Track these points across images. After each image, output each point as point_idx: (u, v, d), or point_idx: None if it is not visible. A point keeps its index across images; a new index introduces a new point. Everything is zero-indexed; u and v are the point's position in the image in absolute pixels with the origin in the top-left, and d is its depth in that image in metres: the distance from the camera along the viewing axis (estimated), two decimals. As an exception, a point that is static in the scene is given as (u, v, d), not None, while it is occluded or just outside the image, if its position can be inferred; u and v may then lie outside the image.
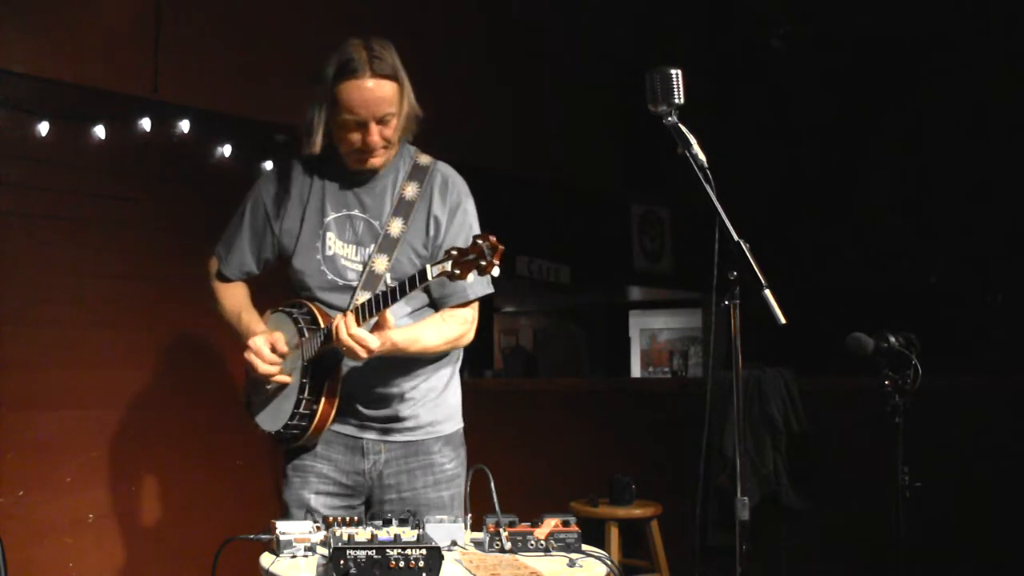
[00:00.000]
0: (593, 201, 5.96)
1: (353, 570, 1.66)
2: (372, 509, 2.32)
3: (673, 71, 1.96)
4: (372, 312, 2.08)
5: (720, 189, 1.92)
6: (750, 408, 4.08)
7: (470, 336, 2.32)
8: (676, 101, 1.96)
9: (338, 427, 2.29)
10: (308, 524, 1.97)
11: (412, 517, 1.99)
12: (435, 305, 2.31)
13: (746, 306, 1.84)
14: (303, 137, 2.24)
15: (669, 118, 1.97)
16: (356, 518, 1.98)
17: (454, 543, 2.01)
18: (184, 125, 3.86)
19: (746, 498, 1.85)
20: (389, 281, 2.10)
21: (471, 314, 2.31)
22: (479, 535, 2.06)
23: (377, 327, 2.09)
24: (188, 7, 3.90)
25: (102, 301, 3.62)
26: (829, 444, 4.00)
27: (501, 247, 1.88)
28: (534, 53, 5.46)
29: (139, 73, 3.73)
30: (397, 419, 2.30)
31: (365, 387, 2.27)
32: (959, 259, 6.09)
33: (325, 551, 1.78)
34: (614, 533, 4.03)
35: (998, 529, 3.54)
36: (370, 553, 1.68)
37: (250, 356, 2.26)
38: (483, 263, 1.89)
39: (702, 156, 1.95)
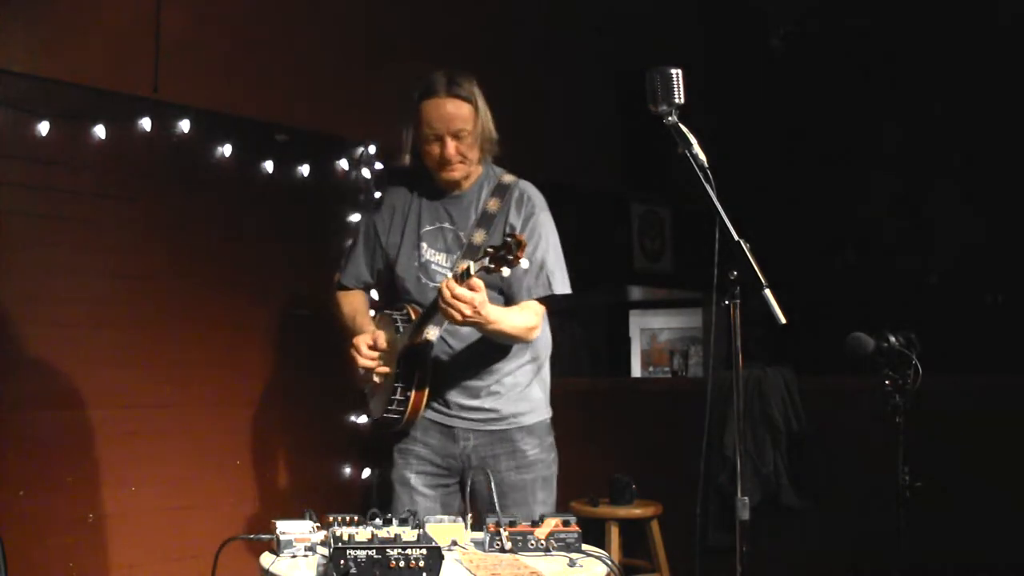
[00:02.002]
0: (593, 201, 5.96)
1: (353, 570, 1.66)
2: (464, 488, 2.60)
3: (673, 71, 1.96)
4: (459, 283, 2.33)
5: (720, 189, 1.92)
6: (750, 408, 4.08)
7: (539, 330, 2.58)
8: (676, 101, 1.96)
9: (433, 415, 2.61)
10: (308, 524, 1.97)
11: (412, 517, 1.99)
12: (508, 304, 2.56)
13: (746, 306, 1.84)
14: (405, 154, 2.63)
15: (669, 118, 1.98)
16: (356, 518, 1.98)
17: (454, 543, 2.01)
18: (184, 125, 3.86)
19: (746, 498, 1.85)
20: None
21: (541, 309, 2.57)
22: (479, 535, 2.07)
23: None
24: (188, 7, 3.90)
25: (102, 301, 3.62)
26: (829, 444, 3.99)
27: (524, 243, 2.13)
28: (534, 52, 5.46)
29: (139, 73, 3.72)
30: (482, 410, 2.59)
31: (454, 381, 2.58)
32: (959, 259, 6.09)
33: (325, 551, 1.78)
34: (614, 533, 4.03)
35: (998, 529, 3.54)
36: (370, 553, 1.68)
37: (352, 352, 2.63)
38: (509, 257, 2.13)
39: (702, 156, 1.95)
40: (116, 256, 3.67)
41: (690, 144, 1.96)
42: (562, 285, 2.58)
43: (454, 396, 2.59)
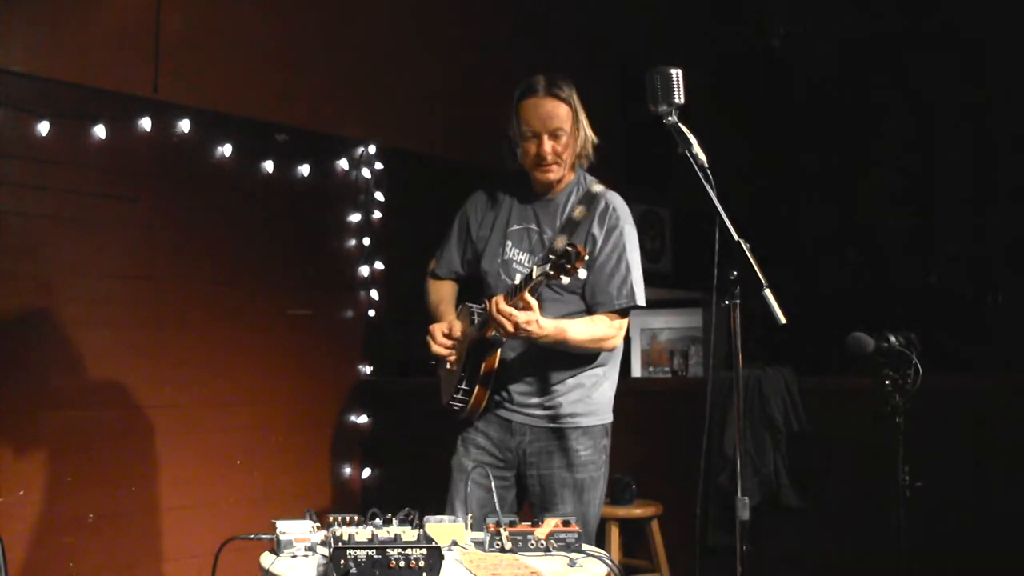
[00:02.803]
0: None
1: (353, 570, 1.66)
2: (520, 482, 2.65)
3: (673, 71, 1.96)
4: (514, 295, 2.40)
5: (720, 189, 1.92)
6: (750, 408, 4.07)
7: (616, 341, 2.60)
8: (676, 101, 1.96)
9: (496, 408, 2.64)
10: (308, 524, 1.97)
11: (413, 516, 1.99)
12: (590, 312, 2.58)
13: (746, 306, 1.84)
14: (506, 156, 2.66)
15: (669, 118, 1.97)
16: (356, 518, 1.98)
17: (454, 543, 2.01)
18: (184, 125, 3.86)
19: (746, 498, 1.85)
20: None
21: (620, 322, 2.59)
22: (479, 535, 2.06)
23: (523, 310, 2.38)
24: (188, 7, 3.90)
25: (102, 301, 3.62)
26: (829, 444, 3.99)
27: (584, 253, 2.18)
28: (534, 53, 5.46)
29: (139, 73, 3.73)
30: (541, 407, 2.61)
31: (518, 377, 2.61)
32: (959, 259, 6.09)
33: (325, 551, 1.78)
34: (614, 533, 4.02)
35: (998, 529, 3.54)
36: (370, 553, 1.67)
37: (428, 339, 2.67)
38: (568, 266, 2.18)
39: (702, 156, 1.95)
40: (116, 256, 3.67)
41: (690, 144, 1.96)
42: (640, 297, 2.60)
43: (516, 391, 2.62)
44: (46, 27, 3.53)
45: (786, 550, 3.82)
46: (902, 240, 6.34)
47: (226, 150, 3.99)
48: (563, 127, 2.56)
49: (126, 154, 3.69)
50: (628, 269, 2.58)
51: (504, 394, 2.63)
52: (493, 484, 2.42)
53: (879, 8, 6.13)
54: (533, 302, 2.35)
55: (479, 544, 2.02)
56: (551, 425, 2.61)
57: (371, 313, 4.50)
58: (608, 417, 2.70)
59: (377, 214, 4.56)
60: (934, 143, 6.21)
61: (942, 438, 3.50)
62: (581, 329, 2.52)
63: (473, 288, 2.82)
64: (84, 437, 3.54)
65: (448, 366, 2.69)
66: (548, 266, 2.22)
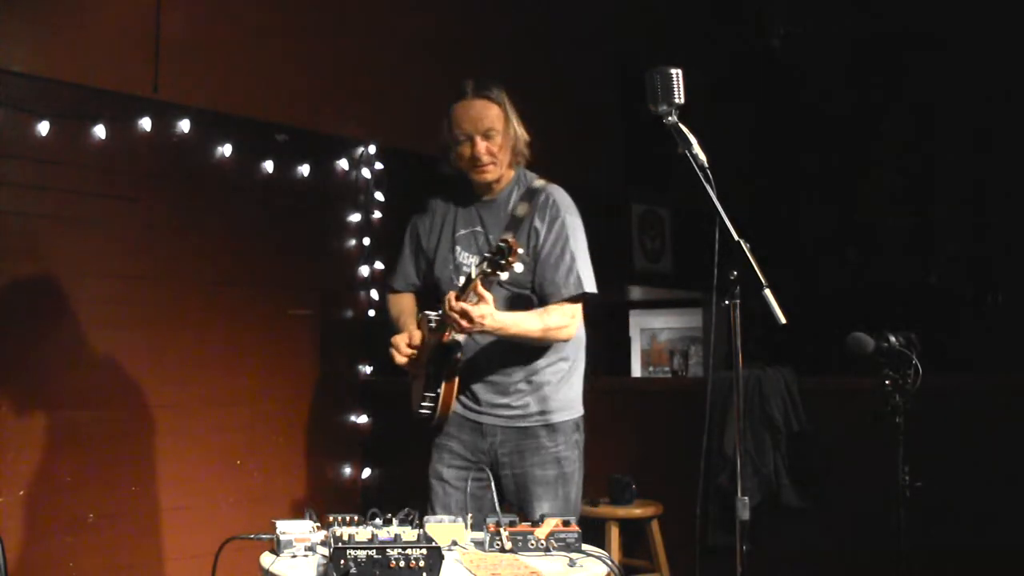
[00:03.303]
0: (593, 201, 5.95)
1: (353, 570, 1.66)
2: (496, 481, 2.63)
3: (673, 71, 1.96)
4: (463, 292, 2.42)
5: (720, 189, 1.92)
6: (750, 408, 4.07)
7: (570, 331, 2.61)
8: (676, 101, 1.96)
9: (463, 411, 2.67)
10: (308, 524, 1.97)
11: (413, 516, 1.99)
12: (542, 304, 2.59)
13: (746, 306, 1.84)
14: (442, 162, 2.70)
15: (669, 118, 1.97)
16: (356, 518, 1.98)
17: (454, 543, 2.01)
18: (184, 125, 3.86)
19: (746, 498, 1.85)
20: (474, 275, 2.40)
21: (572, 310, 2.60)
22: (479, 535, 2.06)
23: (477, 304, 2.38)
24: (188, 7, 3.90)
25: (102, 301, 3.62)
26: (829, 444, 3.98)
27: (517, 247, 2.19)
28: (533, 52, 5.46)
29: (139, 73, 3.73)
30: (510, 407, 2.63)
31: (483, 379, 2.64)
32: (959, 259, 6.09)
33: (325, 551, 1.78)
34: (614, 533, 4.02)
35: (998, 529, 3.54)
36: (370, 553, 1.67)
37: (391, 351, 2.70)
38: (503, 262, 2.20)
39: (702, 156, 1.95)
40: (116, 256, 3.67)
41: (690, 144, 1.95)
42: (590, 284, 2.62)
43: (483, 393, 2.65)
44: (46, 27, 3.53)
45: (786, 550, 3.82)
46: (902, 240, 6.34)
47: (226, 150, 3.99)
48: (495, 127, 2.59)
49: (126, 154, 3.69)
50: (573, 258, 2.59)
51: (471, 397, 2.66)
52: (492, 484, 2.44)
53: (879, 8, 6.13)
54: (487, 295, 2.36)
55: (479, 544, 2.02)
56: (521, 424, 2.62)
57: (371, 313, 4.50)
58: (579, 411, 2.72)
59: (377, 214, 4.56)
60: (934, 143, 6.21)
61: (942, 438, 3.50)
62: (535, 320, 2.53)
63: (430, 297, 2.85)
64: (84, 437, 3.54)
65: (413, 376, 2.73)
66: (485, 264, 2.25)
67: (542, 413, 2.63)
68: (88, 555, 3.51)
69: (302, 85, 4.30)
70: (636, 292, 8.63)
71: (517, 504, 2.60)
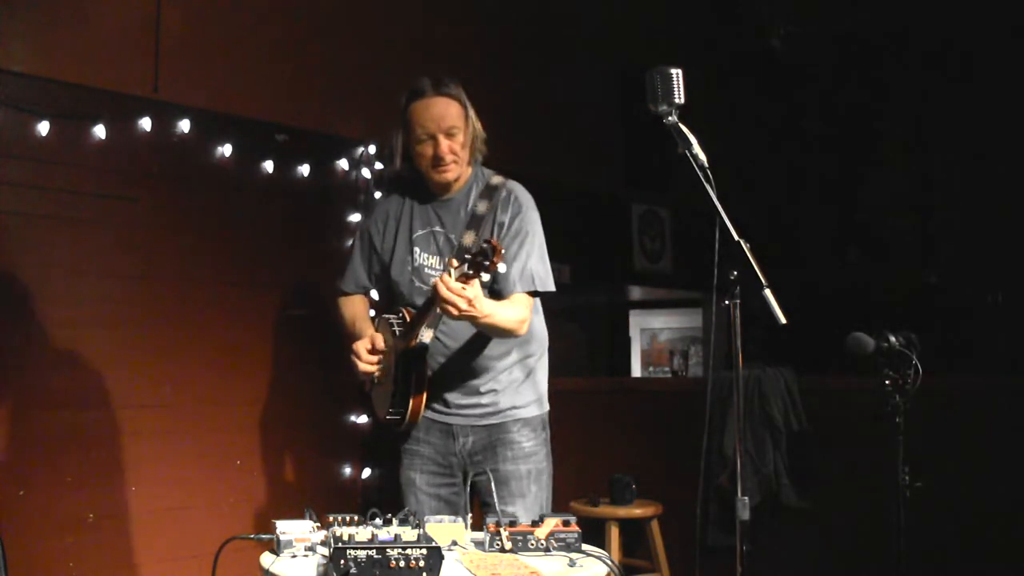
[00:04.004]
0: (593, 201, 5.96)
1: (353, 570, 1.66)
2: (469, 485, 2.65)
3: (674, 71, 1.96)
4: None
5: (720, 189, 1.92)
6: (750, 408, 4.08)
7: (528, 324, 2.58)
8: (676, 101, 1.96)
9: (432, 415, 2.65)
10: (308, 524, 1.97)
11: (412, 517, 1.99)
12: (496, 299, 2.56)
13: (746, 306, 1.84)
14: (386, 160, 2.68)
15: (669, 118, 1.98)
16: (356, 518, 1.98)
17: (454, 543, 2.01)
18: (184, 125, 3.85)
19: (746, 498, 1.85)
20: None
21: (530, 301, 2.59)
22: (479, 535, 2.06)
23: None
24: (188, 7, 3.90)
25: (102, 301, 3.62)
26: (829, 444, 3.99)
27: (500, 249, 2.14)
28: (533, 53, 5.46)
29: (139, 73, 3.72)
30: (480, 405, 2.63)
31: (452, 380, 2.62)
32: (959, 259, 6.09)
33: (325, 551, 1.78)
34: (614, 533, 4.03)
35: (998, 529, 3.54)
36: (370, 553, 1.68)
37: (352, 357, 2.65)
38: (486, 263, 2.15)
39: (702, 156, 1.95)
40: (116, 256, 3.67)
41: (690, 144, 1.96)
42: (544, 283, 2.60)
43: (452, 395, 2.63)
44: (46, 27, 3.52)
45: (786, 550, 3.83)
46: (902, 240, 6.34)
47: (226, 150, 3.98)
48: (457, 125, 2.56)
49: (126, 154, 3.69)
50: (528, 255, 2.57)
51: (439, 399, 2.64)
52: (493, 485, 2.43)
53: (879, 8, 6.13)
54: (475, 282, 2.30)
55: (479, 544, 2.03)
56: (492, 421, 2.63)
57: (371, 313, 4.50)
58: (545, 407, 2.73)
59: (377, 214, 4.55)
60: (934, 143, 6.21)
61: (942, 438, 3.51)
62: (511, 311, 2.51)
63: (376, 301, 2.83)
64: (84, 437, 3.54)
65: (376, 381, 2.69)
66: (466, 266, 2.20)
67: (512, 408, 2.64)
68: (88, 555, 3.51)
69: (302, 85, 4.29)
70: (636, 292, 8.63)
71: (491, 503, 2.56)
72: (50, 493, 3.43)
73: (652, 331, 9.79)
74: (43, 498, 3.41)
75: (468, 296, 2.26)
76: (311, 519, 2.00)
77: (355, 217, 4.48)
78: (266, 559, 1.91)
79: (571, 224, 5.58)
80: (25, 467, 3.38)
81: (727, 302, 1.86)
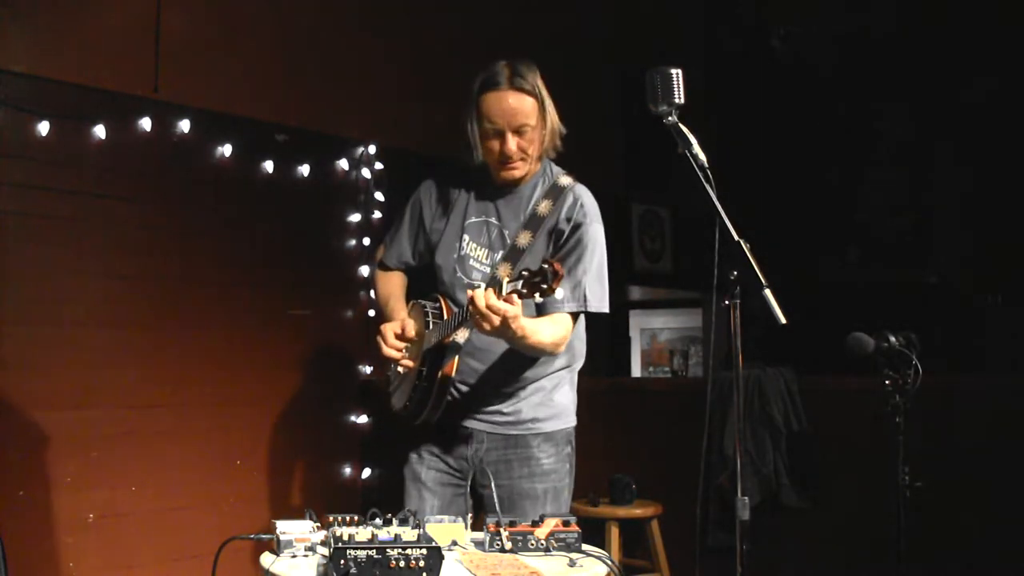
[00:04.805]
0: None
1: (353, 570, 1.66)
2: (474, 492, 2.50)
3: (674, 71, 1.95)
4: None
5: (720, 189, 1.92)
6: (750, 408, 4.08)
7: (564, 346, 2.44)
8: (676, 101, 1.95)
9: (451, 415, 2.48)
10: (308, 524, 1.97)
11: (412, 517, 1.99)
12: (539, 310, 2.43)
13: (746, 306, 1.84)
14: (467, 150, 2.44)
15: (669, 118, 1.97)
16: (356, 518, 1.98)
17: (454, 543, 2.01)
18: (184, 125, 3.86)
19: (746, 498, 1.85)
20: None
21: (571, 324, 2.45)
22: (479, 535, 2.06)
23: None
24: (188, 7, 3.90)
25: (102, 301, 3.62)
26: (829, 444, 3.99)
27: (561, 273, 2.01)
28: (533, 53, 5.46)
29: (139, 73, 3.73)
30: (501, 413, 2.48)
31: (477, 382, 2.46)
32: (959, 259, 6.09)
33: (325, 551, 1.78)
34: (614, 533, 4.02)
35: (998, 529, 3.54)
36: (370, 553, 1.67)
37: (378, 339, 2.50)
38: (544, 286, 2.01)
39: (702, 156, 1.94)
40: (116, 256, 3.67)
41: (690, 144, 1.95)
42: (597, 303, 2.46)
43: (474, 397, 2.48)
44: (46, 27, 3.52)
45: (786, 550, 3.82)
46: (902, 240, 6.34)
47: (226, 150, 3.99)
48: (528, 122, 2.39)
49: (126, 154, 3.69)
50: (585, 271, 2.44)
51: (461, 400, 2.48)
52: (493, 485, 2.39)
53: (879, 8, 6.13)
54: (516, 299, 2.14)
55: (479, 544, 2.02)
56: (511, 432, 2.47)
57: (371, 313, 4.50)
58: (571, 421, 2.57)
59: (377, 214, 4.56)
60: (934, 143, 6.21)
61: (942, 438, 3.51)
62: (548, 331, 2.36)
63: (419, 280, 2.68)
64: (84, 437, 3.54)
65: (400, 369, 2.54)
66: (520, 283, 2.05)
67: (534, 421, 2.48)
68: (88, 555, 3.51)
69: (302, 85, 4.30)
70: (636, 292, 8.63)
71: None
72: (50, 493, 3.43)
73: (652, 331, 9.80)
74: (43, 498, 3.41)
75: (507, 314, 2.11)
76: (311, 519, 2.00)
77: (355, 217, 4.48)
78: (266, 559, 1.91)
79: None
80: (25, 467, 3.38)
81: (727, 302, 1.86)
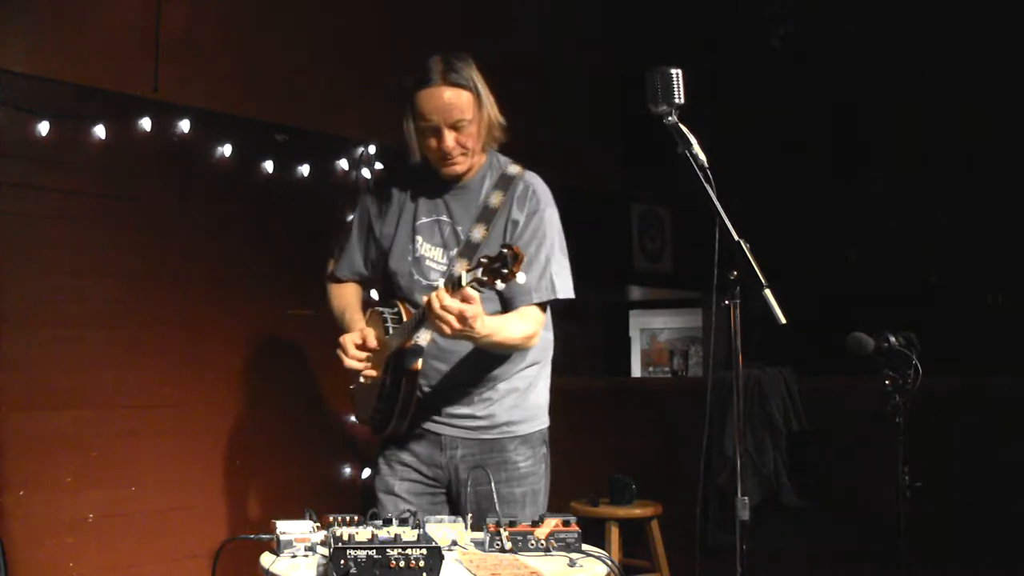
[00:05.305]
0: (593, 201, 5.96)
1: (353, 570, 1.66)
2: (450, 499, 2.46)
3: (673, 71, 1.96)
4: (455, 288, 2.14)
5: (720, 189, 1.92)
6: (750, 408, 4.08)
7: (537, 339, 2.40)
8: (676, 101, 1.96)
9: (421, 422, 2.44)
10: (308, 524, 1.97)
11: (412, 517, 1.99)
12: (504, 308, 2.39)
13: (746, 306, 1.84)
14: (406, 149, 2.41)
15: (669, 118, 1.97)
16: (356, 518, 1.98)
17: (454, 543, 2.01)
18: (184, 125, 3.86)
19: (746, 498, 1.85)
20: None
21: (542, 316, 2.40)
22: (479, 535, 2.06)
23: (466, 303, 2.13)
24: (188, 7, 3.90)
25: (102, 301, 3.62)
26: (829, 444, 4.00)
27: (522, 256, 1.95)
28: (533, 53, 5.46)
29: (139, 73, 3.72)
30: (474, 417, 2.43)
31: (445, 386, 2.41)
32: (959, 259, 6.09)
33: (325, 551, 1.78)
34: (614, 533, 4.03)
35: (998, 529, 3.54)
36: (370, 553, 1.67)
37: (338, 352, 2.43)
38: (504, 271, 1.95)
39: (702, 156, 1.95)
40: (116, 256, 3.67)
41: (690, 144, 1.95)
42: (565, 289, 2.41)
43: (445, 402, 2.43)
44: (46, 27, 3.52)
45: (786, 550, 3.83)
46: (902, 240, 6.34)
47: (226, 150, 3.98)
48: (465, 117, 2.32)
49: (126, 154, 3.69)
50: (548, 259, 2.37)
51: (430, 405, 2.42)
52: (493, 485, 2.37)
53: (879, 8, 6.13)
54: (475, 295, 2.08)
55: (479, 544, 2.02)
56: (486, 436, 2.42)
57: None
58: (545, 422, 2.53)
59: (377, 214, 4.55)
60: (934, 142, 6.21)
61: (942, 438, 3.51)
62: (516, 327, 2.31)
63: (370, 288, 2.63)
64: (84, 437, 3.54)
65: (362, 380, 2.46)
66: (480, 271, 1.98)
67: (509, 424, 2.43)
68: (88, 555, 3.51)
69: (302, 85, 4.30)
70: (636, 292, 8.64)
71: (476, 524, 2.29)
72: (50, 493, 3.43)
73: (652, 331, 9.80)
74: (43, 498, 3.41)
75: (466, 314, 2.06)
76: (311, 519, 2.00)
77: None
78: (266, 559, 1.91)
79: (571, 224, 5.57)
80: (25, 467, 3.38)
81: (727, 302, 1.86)
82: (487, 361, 2.40)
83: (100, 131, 3.62)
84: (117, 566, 3.59)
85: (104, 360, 3.61)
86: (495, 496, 2.32)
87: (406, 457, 2.48)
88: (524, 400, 2.47)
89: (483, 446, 2.43)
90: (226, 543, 1.96)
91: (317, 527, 1.96)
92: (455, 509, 2.46)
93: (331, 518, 1.97)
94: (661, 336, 9.62)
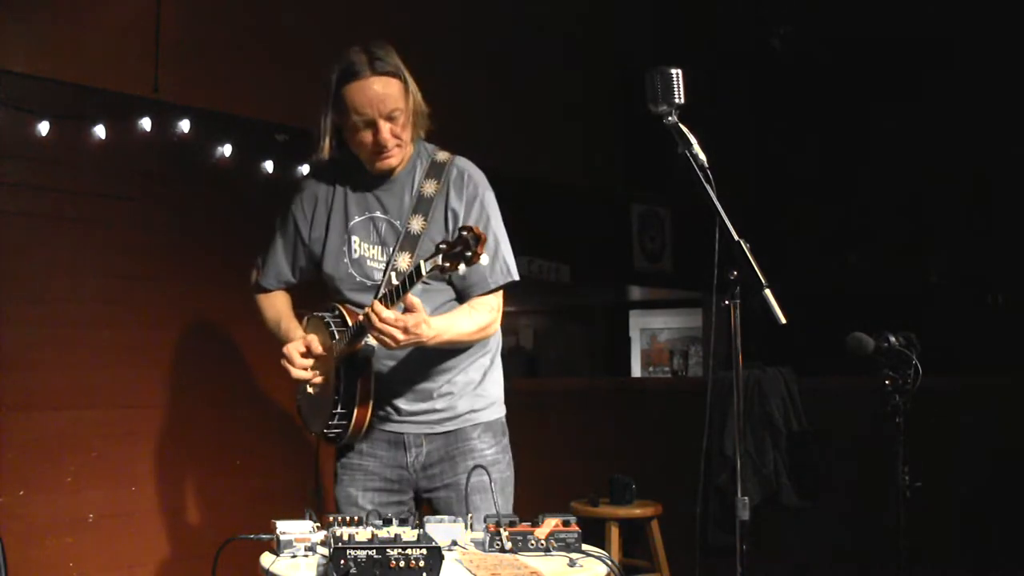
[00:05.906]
0: (593, 201, 5.96)
1: (353, 570, 1.66)
2: (423, 502, 2.39)
3: (674, 71, 1.95)
4: (393, 300, 2.09)
5: (720, 189, 1.92)
6: (750, 408, 4.08)
7: (496, 325, 2.36)
8: (676, 101, 1.95)
9: (380, 424, 2.36)
10: (308, 524, 1.97)
11: (412, 517, 1.98)
12: (460, 297, 2.35)
13: (746, 306, 1.84)
14: (321, 147, 2.36)
15: (669, 118, 1.97)
16: (356, 518, 1.98)
17: (454, 543, 2.01)
18: (184, 125, 3.86)
19: (746, 498, 1.85)
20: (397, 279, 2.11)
21: (496, 302, 2.35)
22: (479, 535, 2.06)
23: (407, 313, 2.09)
24: (188, 7, 3.90)
25: (102, 301, 3.62)
26: (829, 444, 4.00)
27: (484, 236, 1.92)
28: (533, 53, 5.46)
29: (139, 73, 3.73)
30: (435, 411, 2.36)
31: (401, 385, 2.34)
32: (959, 259, 6.09)
33: (325, 551, 1.78)
34: (614, 533, 4.03)
35: (998, 529, 3.54)
36: (370, 553, 1.67)
37: (284, 363, 2.36)
38: (468, 254, 1.91)
39: (702, 156, 1.94)
40: (116, 256, 3.67)
41: (690, 144, 1.95)
42: (516, 270, 2.35)
43: (402, 402, 2.35)
44: (46, 27, 3.53)
45: (786, 550, 3.83)
46: (902, 240, 6.35)
47: (226, 150, 3.98)
48: (399, 106, 2.26)
49: (126, 154, 3.69)
50: (497, 242, 2.30)
51: (388, 407, 2.35)
52: (492, 485, 2.36)
53: (879, 8, 6.14)
54: (417, 301, 2.05)
55: (479, 544, 2.02)
56: (449, 428, 2.36)
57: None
58: (503, 410, 2.47)
59: (377, 214, 4.55)
60: (934, 142, 6.21)
61: (942, 438, 3.51)
62: (467, 321, 2.26)
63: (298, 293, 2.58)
64: (84, 437, 3.54)
65: (310, 389, 2.39)
66: (440, 258, 1.93)
67: (471, 412, 2.38)
68: (88, 555, 3.51)
69: (302, 85, 4.29)
70: (636, 292, 8.64)
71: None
72: (50, 493, 3.43)
73: (652, 331, 9.81)
74: (43, 498, 3.41)
75: (406, 324, 2.02)
76: (311, 519, 2.00)
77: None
78: (266, 559, 1.91)
79: (571, 224, 5.59)
80: (25, 467, 3.38)
81: (727, 302, 1.86)
82: (439, 355, 2.32)
83: (100, 131, 3.62)
84: (117, 566, 3.59)
85: (104, 360, 3.61)
86: (467, 489, 2.26)
87: (367, 463, 2.40)
88: (483, 389, 2.41)
89: (447, 439, 2.37)
90: (226, 543, 1.96)
91: (317, 527, 1.96)
92: (433, 509, 2.39)
93: (331, 518, 1.97)
94: (661, 336, 9.63)
